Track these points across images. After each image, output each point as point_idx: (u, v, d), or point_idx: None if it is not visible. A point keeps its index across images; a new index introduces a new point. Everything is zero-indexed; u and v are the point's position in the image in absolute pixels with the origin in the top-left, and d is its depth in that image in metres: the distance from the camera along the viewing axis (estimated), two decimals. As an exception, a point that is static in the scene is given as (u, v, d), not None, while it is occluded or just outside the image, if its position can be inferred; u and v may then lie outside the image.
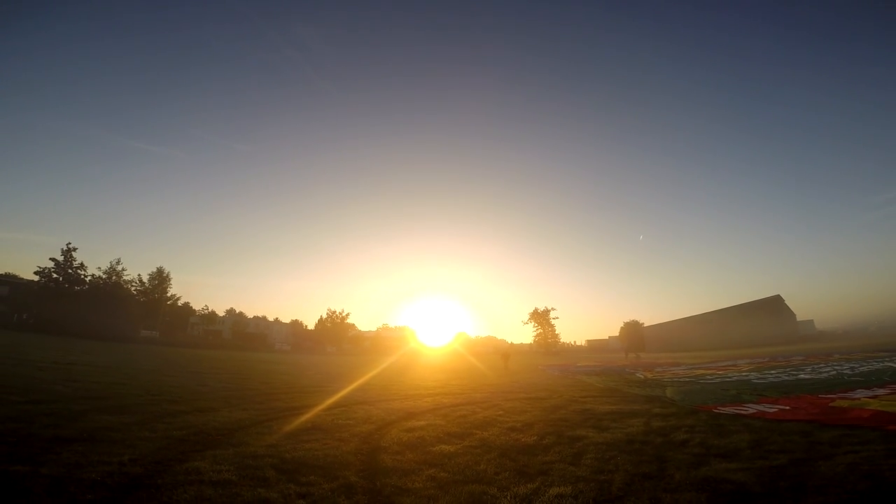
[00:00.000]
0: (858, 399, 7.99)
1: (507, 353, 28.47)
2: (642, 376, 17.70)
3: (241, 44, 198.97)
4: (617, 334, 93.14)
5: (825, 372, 13.77)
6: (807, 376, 12.92)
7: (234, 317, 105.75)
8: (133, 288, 65.44)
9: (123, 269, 63.27)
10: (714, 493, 3.83)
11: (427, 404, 10.40)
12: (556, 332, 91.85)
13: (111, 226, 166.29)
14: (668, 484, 4.15)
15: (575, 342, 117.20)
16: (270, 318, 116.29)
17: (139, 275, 66.38)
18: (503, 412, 9.11)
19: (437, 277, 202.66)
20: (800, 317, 78.29)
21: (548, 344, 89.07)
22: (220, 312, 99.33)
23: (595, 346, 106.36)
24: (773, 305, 75.22)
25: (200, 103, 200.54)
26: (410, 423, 7.64)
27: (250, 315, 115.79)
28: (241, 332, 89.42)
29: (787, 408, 7.61)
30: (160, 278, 68.25)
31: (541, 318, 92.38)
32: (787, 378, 12.97)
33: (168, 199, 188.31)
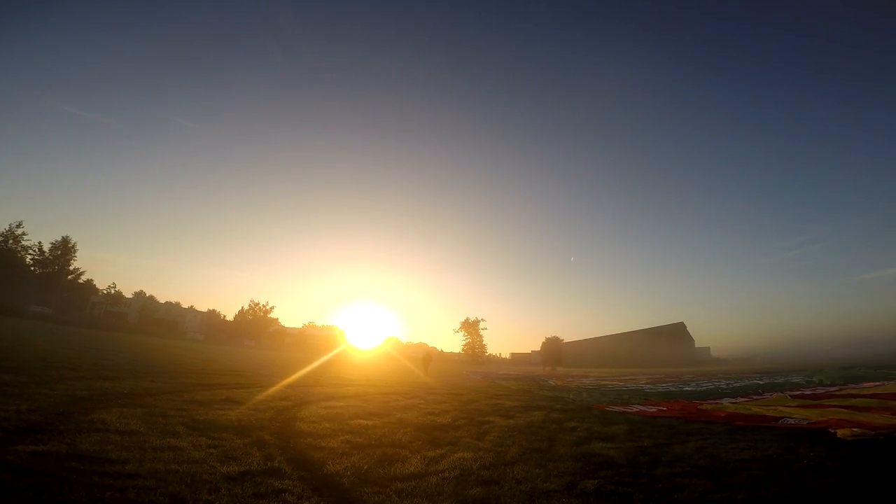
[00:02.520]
0: (721, 403, 9.43)
1: (430, 355, 28.37)
2: (553, 383, 19.04)
3: (214, 20, 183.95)
4: (539, 349, 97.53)
5: (706, 386, 15.80)
6: (690, 388, 14.78)
7: (143, 300, 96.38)
8: (30, 257, 57.48)
9: (23, 234, 55.52)
10: (587, 463, 4.51)
11: (350, 392, 10.55)
12: (484, 343, 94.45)
13: (18, 187, 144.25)
14: (553, 455, 4.79)
15: (500, 354, 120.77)
16: (185, 305, 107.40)
17: (39, 242, 58.34)
18: (424, 402, 9.53)
19: (371, 282, 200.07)
20: (698, 343, 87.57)
21: (475, 353, 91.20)
22: (128, 294, 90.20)
23: (518, 359, 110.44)
24: (677, 331, 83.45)
25: (148, 72, 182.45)
26: (330, 402, 7.81)
27: (162, 300, 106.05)
28: (150, 316, 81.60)
29: (665, 408, 8.81)
30: (64, 249, 60.41)
31: (471, 327, 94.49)
32: (673, 389, 14.76)
33: (89, 166, 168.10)
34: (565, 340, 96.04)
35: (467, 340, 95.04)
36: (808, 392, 11.18)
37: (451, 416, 7.54)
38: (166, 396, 6.29)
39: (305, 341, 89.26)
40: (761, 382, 16.14)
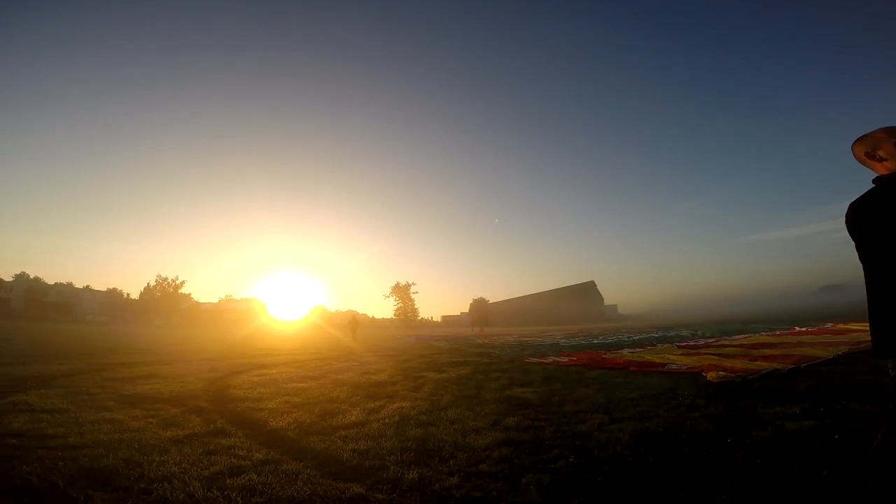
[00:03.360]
0: (621, 353, 10.90)
1: (356, 320, 26.51)
2: (481, 342, 20.38)
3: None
4: (468, 310, 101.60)
5: (611, 339, 17.91)
6: (598, 342, 16.70)
7: (28, 282, 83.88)
8: None
9: None
10: (509, 405, 5.17)
11: (280, 360, 10.54)
12: (416, 307, 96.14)
13: None
14: (481, 400, 5.42)
15: (432, 317, 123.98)
16: (79, 286, 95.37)
17: None
18: (358, 364, 9.85)
19: (294, 250, 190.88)
20: (607, 301, 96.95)
21: (407, 318, 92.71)
22: (7, 277, 78.22)
23: (449, 321, 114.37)
24: (588, 289, 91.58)
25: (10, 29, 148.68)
26: (261, 371, 7.83)
27: (51, 281, 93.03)
28: (39, 300, 71.92)
29: (575, 358, 10.02)
30: None
31: (402, 292, 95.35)
32: (583, 342, 16.59)
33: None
34: (491, 301, 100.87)
35: (399, 305, 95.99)
36: (691, 343, 13.14)
37: (387, 374, 7.99)
38: (83, 377, 5.95)
39: (223, 316, 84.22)
40: (656, 336, 18.57)
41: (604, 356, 10.26)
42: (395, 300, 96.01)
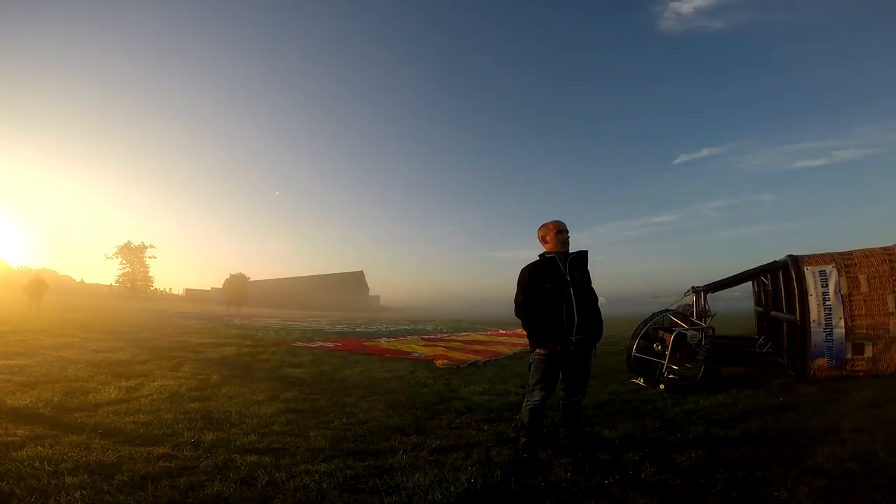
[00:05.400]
0: (379, 342, 12.56)
1: (40, 280, 19.15)
2: (239, 322, 19.14)
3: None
4: (221, 286, 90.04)
5: (371, 329, 19.80)
6: (360, 330, 18.27)
7: None
8: None
9: None
10: (284, 382, 5.68)
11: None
12: (150, 275, 78.57)
13: None
14: (254, 379, 5.73)
15: (170, 289, 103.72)
16: None
17: None
18: (80, 340, 8.19)
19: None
20: (371, 292, 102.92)
21: (137, 287, 74.87)
22: None
23: (195, 296, 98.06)
24: (357, 279, 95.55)
25: None
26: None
27: None
28: None
29: (339, 344, 11.04)
30: None
31: (133, 254, 76.38)
32: (347, 330, 17.89)
33: None
34: (252, 279, 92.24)
35: (126, 270, 76.65)
36: (431, 336, 16.00)
37: (129, 353, 7.11)
38: None
39: None
40: (407, 328, 21.48)
41: (364, 343, 11.66)
42: (122, 263, 76.29)
